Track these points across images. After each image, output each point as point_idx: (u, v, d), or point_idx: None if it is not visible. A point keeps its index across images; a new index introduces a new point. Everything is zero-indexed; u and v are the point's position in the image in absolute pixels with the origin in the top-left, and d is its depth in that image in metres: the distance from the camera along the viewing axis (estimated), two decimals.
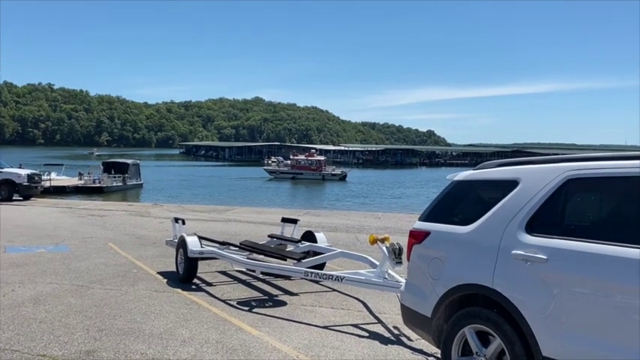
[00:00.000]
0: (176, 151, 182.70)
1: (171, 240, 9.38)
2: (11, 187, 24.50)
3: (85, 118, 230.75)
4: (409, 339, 5.60)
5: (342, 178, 62.25)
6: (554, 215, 3.49)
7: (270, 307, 6.85)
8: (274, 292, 7.68)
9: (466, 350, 3.84)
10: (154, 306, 6.71)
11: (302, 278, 7.46)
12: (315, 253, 8.20)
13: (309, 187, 53.13)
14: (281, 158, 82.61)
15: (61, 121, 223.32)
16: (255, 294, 7.55)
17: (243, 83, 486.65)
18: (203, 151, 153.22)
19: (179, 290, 7.58)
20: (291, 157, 69.50)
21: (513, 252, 3.53)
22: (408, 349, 5.33)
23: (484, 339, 3.69)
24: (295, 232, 9.28)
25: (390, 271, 6.45)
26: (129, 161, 40.03)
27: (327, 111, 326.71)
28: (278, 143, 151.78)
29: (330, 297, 7.43)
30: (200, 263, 8.27)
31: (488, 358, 3.62)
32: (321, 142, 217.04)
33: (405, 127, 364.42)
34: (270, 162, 78.23)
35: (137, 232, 13.87)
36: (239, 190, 46.29)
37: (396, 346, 5.44)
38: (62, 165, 42.88)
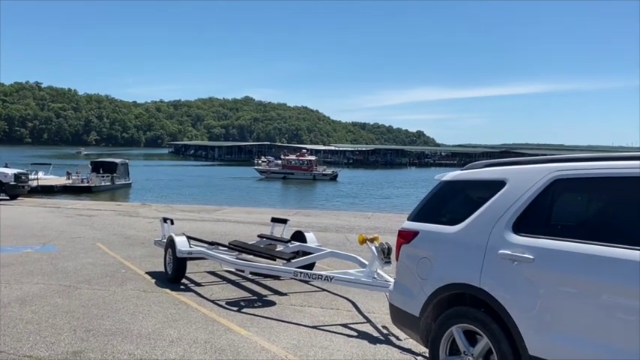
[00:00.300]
0: (165, 151, 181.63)
1: (160, 240, 9.33)
2: None
3: (74, 117, 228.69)
4: (398, 338, 5.62)
5: (333, 178, 62.31)
6: (541, 215, 3.52)
7: (259, 307, 6.84)
8: (263, 292, 7.67)
9: (454, 349, 3.85)
10: (142, 306, 6.67)
11: (291, 278, 7.46)
12: (305, 253, 8.21)
13: (300, 187, 53.11)
14: (271, 158, 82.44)
15: (49, 120, 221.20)
16: (244, 294, 7.54)
17: (233, 83, 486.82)
18: (192, 151, 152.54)
19: (167, 290, 7.54)
20: (282, 156, 69.45)
21: (500, 252, 3.56)
22: (397, 349, 5.35)
23: (472, 338, 3.72)
24: (285, 232, 9.27)
25: (379, 271, 6.48)
26: (117, 161, 39.83)
27: (317, 111, 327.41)
28: (268, 143, 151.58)
29: (320, 297, 7.43)
30: (189, 263, 8.24)
31: (475, 357, 3.64)
32: (312, 142, 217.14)
33: (395, 127, 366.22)
34: (260, 162, 78.07)
35: (125, 232, 13.78)
36: (229, 189, 46.17)
37: (384, 345, 5.46)
38: (50, 164, 42.46)
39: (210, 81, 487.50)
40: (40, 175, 35.03)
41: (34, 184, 31.08)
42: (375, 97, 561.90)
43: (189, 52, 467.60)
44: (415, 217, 4.58)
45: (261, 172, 65.16)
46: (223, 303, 6.94)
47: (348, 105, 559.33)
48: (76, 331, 5.62)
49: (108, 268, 8.98)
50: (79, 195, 31.78)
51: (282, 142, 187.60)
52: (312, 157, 68.56)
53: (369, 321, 6.34)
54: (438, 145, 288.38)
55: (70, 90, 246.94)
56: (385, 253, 6.38)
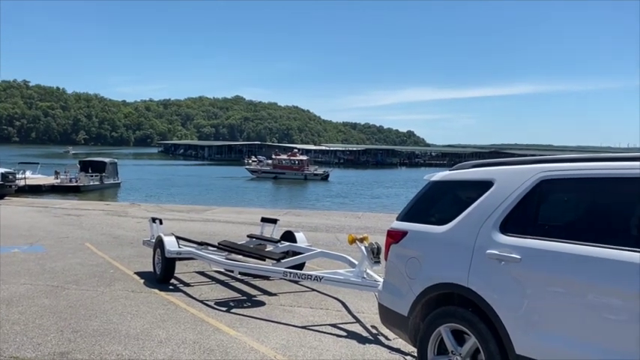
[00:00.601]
0: (154, 150, 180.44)
1: (149, 240, 9.28)
2: None
3: (62, 116, 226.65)
4: (387, 338, 5.63)
5: (325, 178, 62.26)
6: (528, 215, 3.55)
7: (248, 307, 6.82)
8: (253, 292, 7.66)
9: (442, 349, 3.87)
10: (130, 307, 6.63)
11: (281, 278, 7.45)
12: (295, 253, 8.20)
13: (291, 186, 53.05)
14: (262, 157, 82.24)
15: (37, 119, 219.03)
16: (234, 294, 7.52)
17: (224, 82, 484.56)
18: (182, 150, 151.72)
19: (156, 291, 7.50)
20: (274, 156, 69.22)
21: (488, 251, 3.58)
22: (386, 349, 5.36)
23: (459, 338, 3.74)
24: (275, 232, 9.25)
25: (368, 271, 6.49)
26: (106, 160, 39.55)
27: (308, 110, 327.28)
28: (259, 142, 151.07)
29: (309, 297, 7.43)
30: (178, 263, 8.19)
31: (463, 356, 3.67)
32: (303, 142, 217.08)
33: (385, 127, 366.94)
34: (250, 161, 77.85)
35: (114, 232, 13.68)
36: (219, 189, 45.95)
37: (373, 345, 5.47)
38: (38, 163, 42.03)
39: (201, 80, 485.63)
40: (28, 174, 34.60)
41: (22, 183, 30.80)
42: (366, 98, 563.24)
43: (180, 51, 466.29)
44: (404, 217, 4.59)
45: (252, 171, 64.94)
46: (212, 303, 6.92)
47: (339, 105, 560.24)
48: (63, 332, 5.57)
49: (96, 269, 8.91)
50: (68, 194, 31.46)
51: (273, 142, 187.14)
52: (304, 157, 68.42)
53: (358, 321, 6.35)
54: (428, 145, 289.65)
55: (58, 89, 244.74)
56: (374, 253, 6.40)
